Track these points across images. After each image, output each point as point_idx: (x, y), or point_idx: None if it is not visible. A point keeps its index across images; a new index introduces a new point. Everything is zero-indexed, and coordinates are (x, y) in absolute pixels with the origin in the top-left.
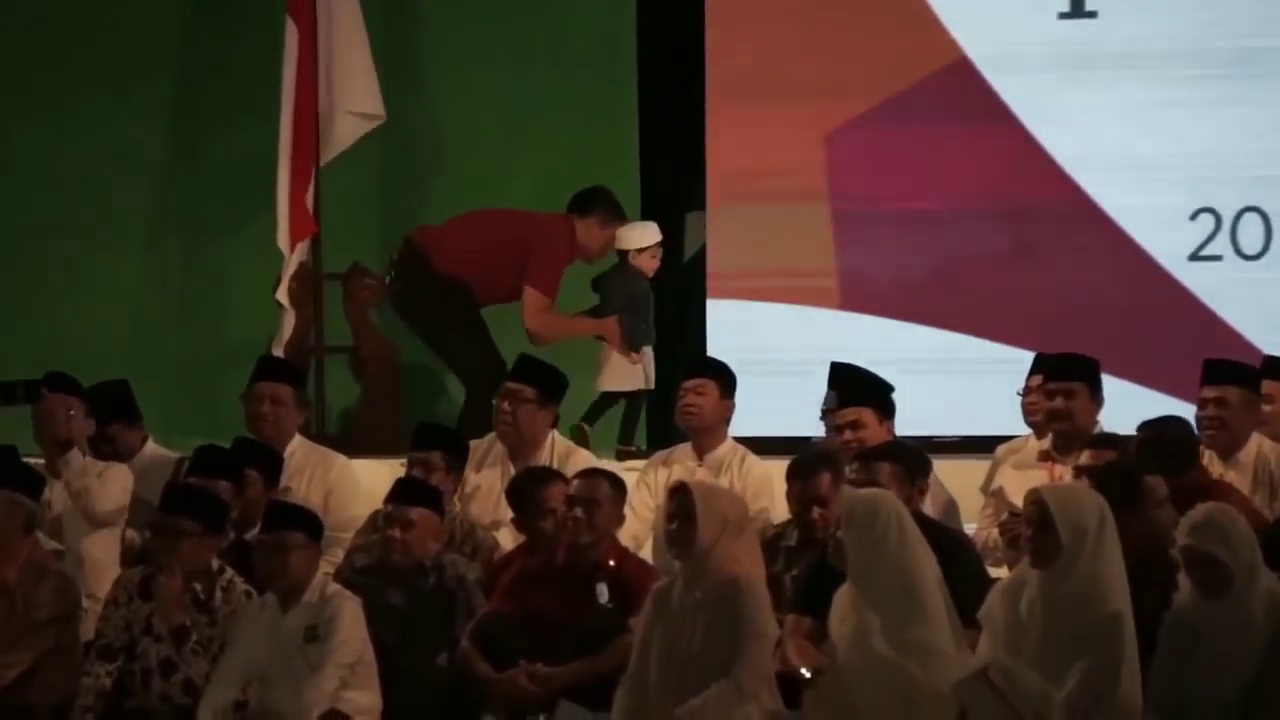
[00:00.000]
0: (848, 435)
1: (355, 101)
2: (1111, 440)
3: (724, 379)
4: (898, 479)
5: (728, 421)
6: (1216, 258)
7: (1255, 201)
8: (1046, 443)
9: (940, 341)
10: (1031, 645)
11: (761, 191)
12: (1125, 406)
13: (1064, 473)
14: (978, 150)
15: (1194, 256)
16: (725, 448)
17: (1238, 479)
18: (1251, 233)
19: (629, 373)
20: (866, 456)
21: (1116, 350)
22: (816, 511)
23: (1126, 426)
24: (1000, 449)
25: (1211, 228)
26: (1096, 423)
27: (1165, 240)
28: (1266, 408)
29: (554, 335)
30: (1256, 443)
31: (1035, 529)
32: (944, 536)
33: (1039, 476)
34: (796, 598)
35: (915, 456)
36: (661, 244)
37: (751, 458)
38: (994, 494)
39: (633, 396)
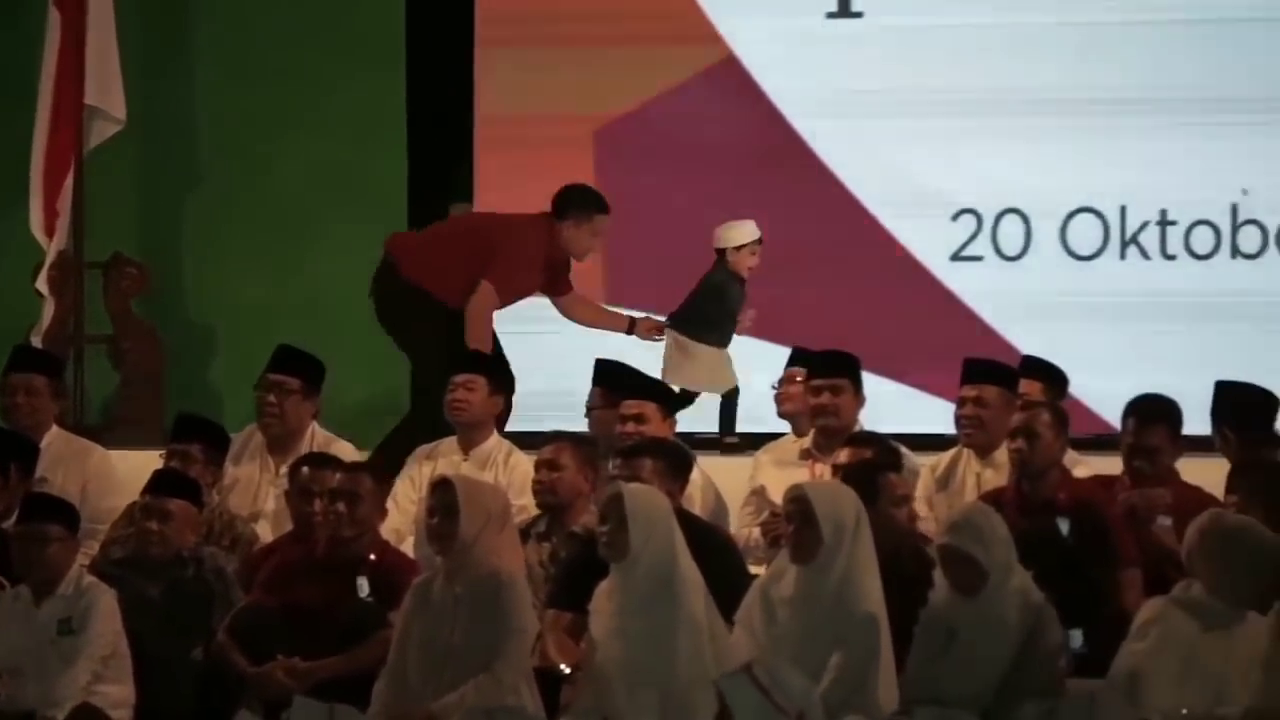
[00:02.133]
0: (630, 428)
1: (107, 100)
2: (870, 439)
3: (494, 375)
4: (660, 475)
5: (496, 418)
6: (978, 258)
7: (1015, 204)
8: (808, 441)
9: None
10: (790, 641)
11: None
12: (883, 405)
13: (824, 470)
14: (738, 143)
15: (955, 257)
16: (491, 443)
17: (995, 478)
18: (1011, 234)
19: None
20: (629, 452)
21: (877, 348)
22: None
23: (885, 426)
24: (763, 449)
25: (973, 229)
26: (857, 421)
27: (927, 241)
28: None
29: (477, 328)
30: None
31: (797, 524)
32: (706, 535)
33: (800, 474)
34: (556, 592)
35: (678, 453)
36: (760, 240)
37: (518, 454)
38: (754, 492)
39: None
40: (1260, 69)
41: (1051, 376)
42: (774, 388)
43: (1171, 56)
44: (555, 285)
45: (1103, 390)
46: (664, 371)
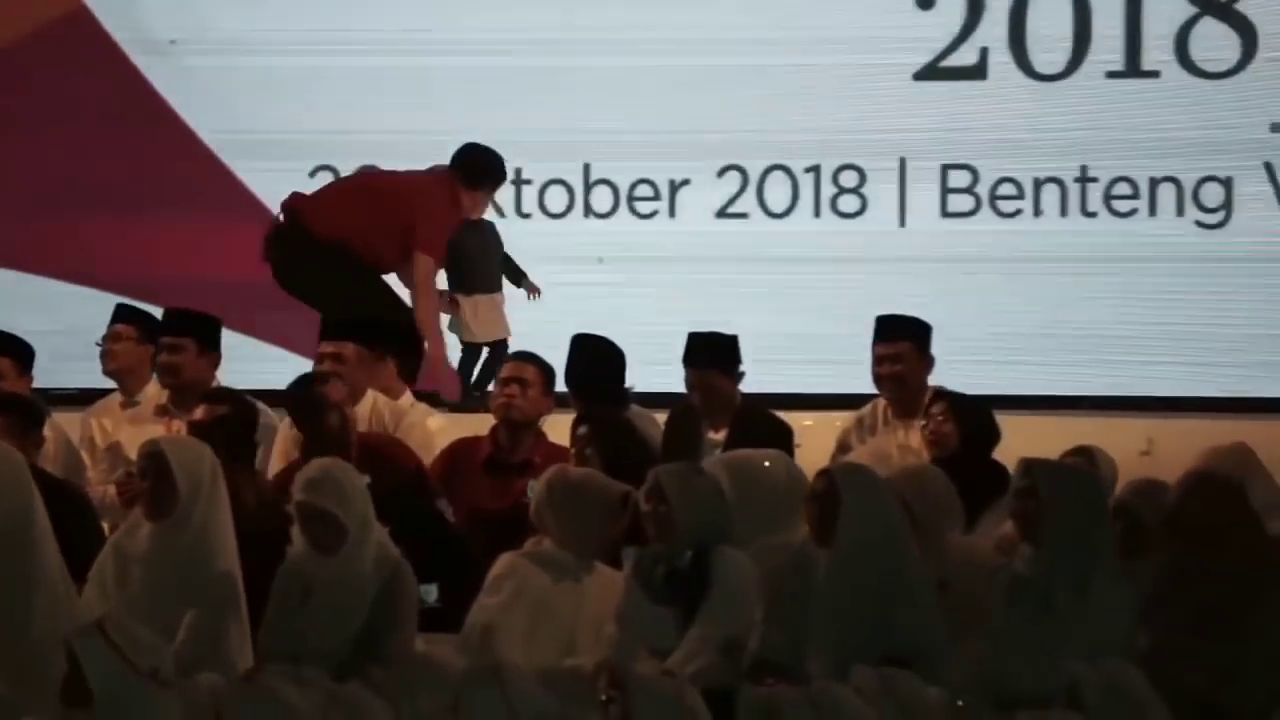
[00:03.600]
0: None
1: None
2: (225, 394)
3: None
4: (9, 431)
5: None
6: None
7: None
8: (164, 397)
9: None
10: (144, 599)
11: None
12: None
13: (180, 427)
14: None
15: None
16: None
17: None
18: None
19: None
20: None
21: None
22: None
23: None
24: (90, 408)
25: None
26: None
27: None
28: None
29: (428, 315)
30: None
31: (152, 480)
32: (60, 491)
33: (156, 430)
34: None
35: (27, 408)
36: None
37: None
38: (110, 448)
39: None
40: None
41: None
42: (98, 345)
43: None
44: None
45: None
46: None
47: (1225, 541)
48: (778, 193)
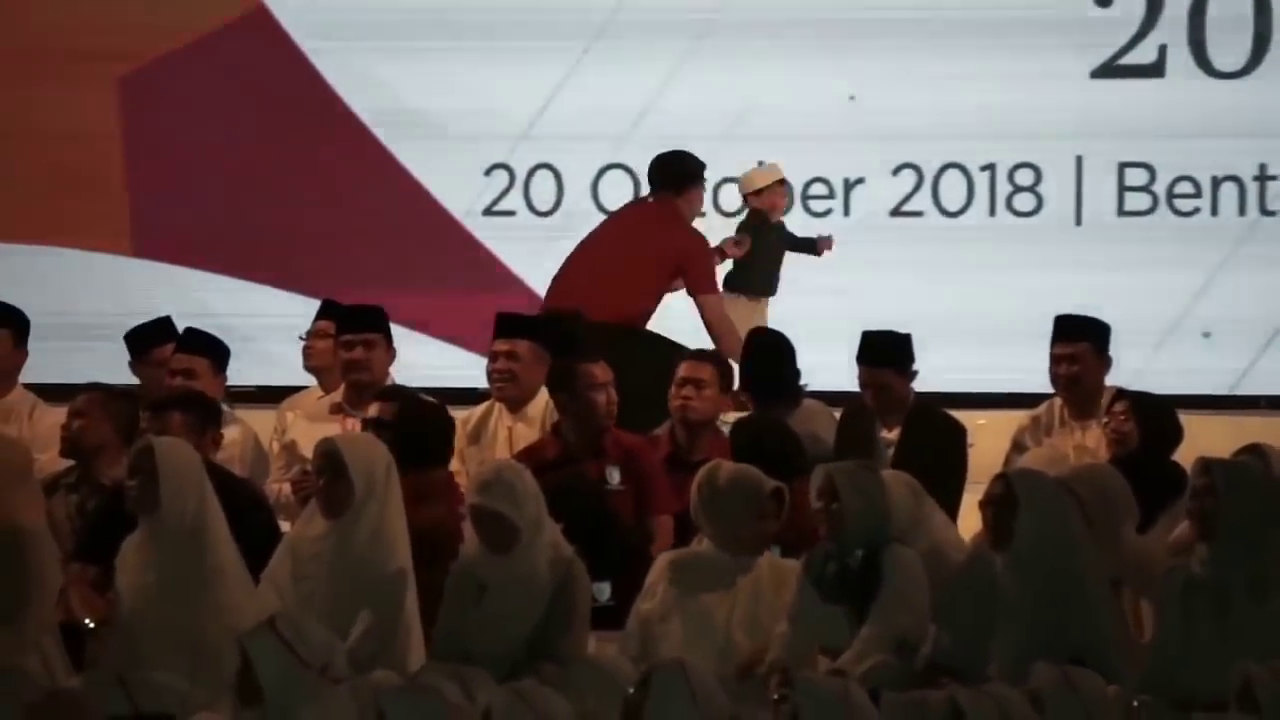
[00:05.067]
0: (179, 381)
1: None
2: (398, 392)
3: (16, 328)
4: (188, 428)
5: (18, 369)
6: (510, 213)
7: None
8: (339, 395)
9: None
10: (318, 597)
11: None
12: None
13: (355, 425)
14: (276, 101)
15: (487, 211)
16: (15, 395)
17: (527, 432)
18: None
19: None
20: (157, 405)
21: (411, 300)
22: None
23: (419, 380)
24: (285, 402)
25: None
26: (389, 374)
27: (459, 195)
28: None
29: (733, 336)
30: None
31: (327, 478)
32: (237, 489)
33: (331, 429)
34: (80, 545)
35: (207, 406)
36: (782, 180)
37: (42, 406)
38: (286, 447)
39: None
40: None
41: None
42: (302, 339)
43: None
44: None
45: None
46: None
47: None
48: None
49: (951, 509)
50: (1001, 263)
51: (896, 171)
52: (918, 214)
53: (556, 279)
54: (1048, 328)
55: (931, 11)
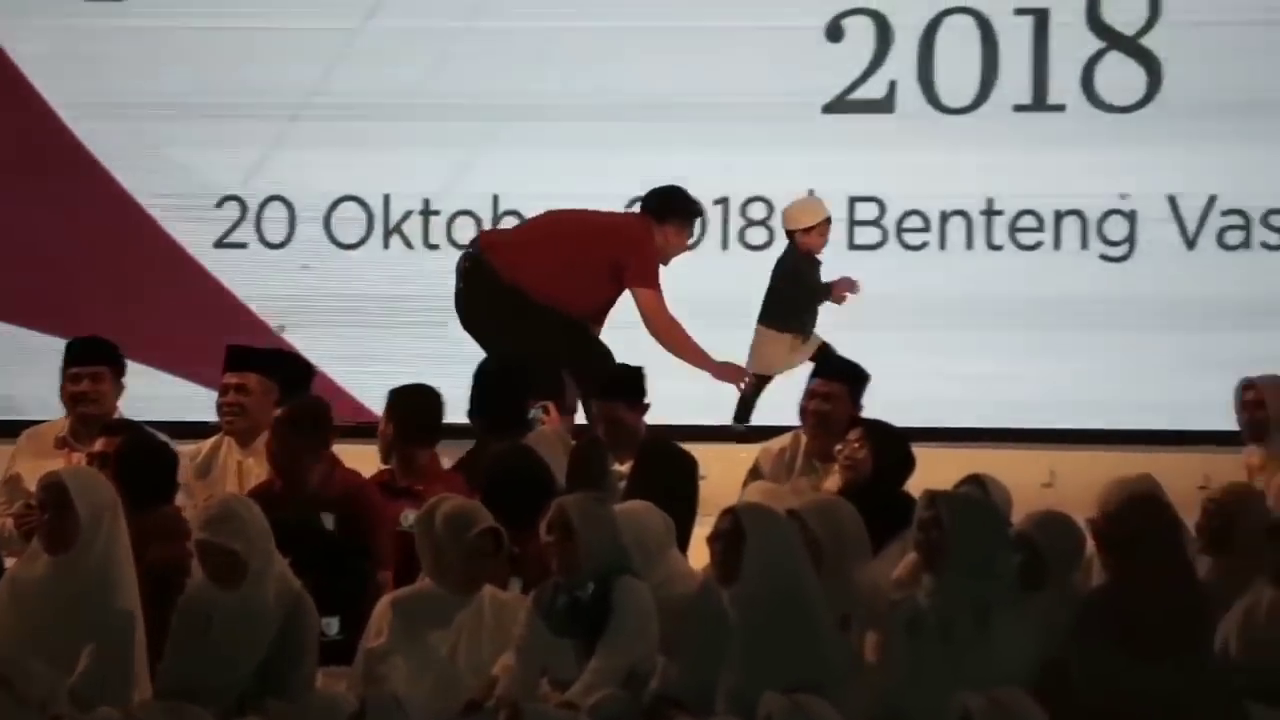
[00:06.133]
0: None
1: None
2: (124, 426)
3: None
4: None
5: None
6: (242, 245)
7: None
8: (64, 428)
9: None
10: (44, 633)
11: None
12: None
13: (80, 458)
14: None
15: (219, 244)
16: None
17: (257, 466)
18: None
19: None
20: None
21: (141, 334)
22: None
23: (151, 415)
24: (25, 433)
25: (237, 216)
26: (117, 408)
27: (192, 229)
28: None
29: (677, 338)
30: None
31: (53, 512)
32: None
33: (56, 463)
34: None
35: None
36: (829, 220)
37: None
38: (8, 480)
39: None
40: None
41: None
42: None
43: None
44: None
45: (364, 382)
46: (750, 363)
47: (1152, 558)
48: None
49: (682, 541)
50: (737, 296)
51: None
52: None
53: (508, 236)
54: None
55: None
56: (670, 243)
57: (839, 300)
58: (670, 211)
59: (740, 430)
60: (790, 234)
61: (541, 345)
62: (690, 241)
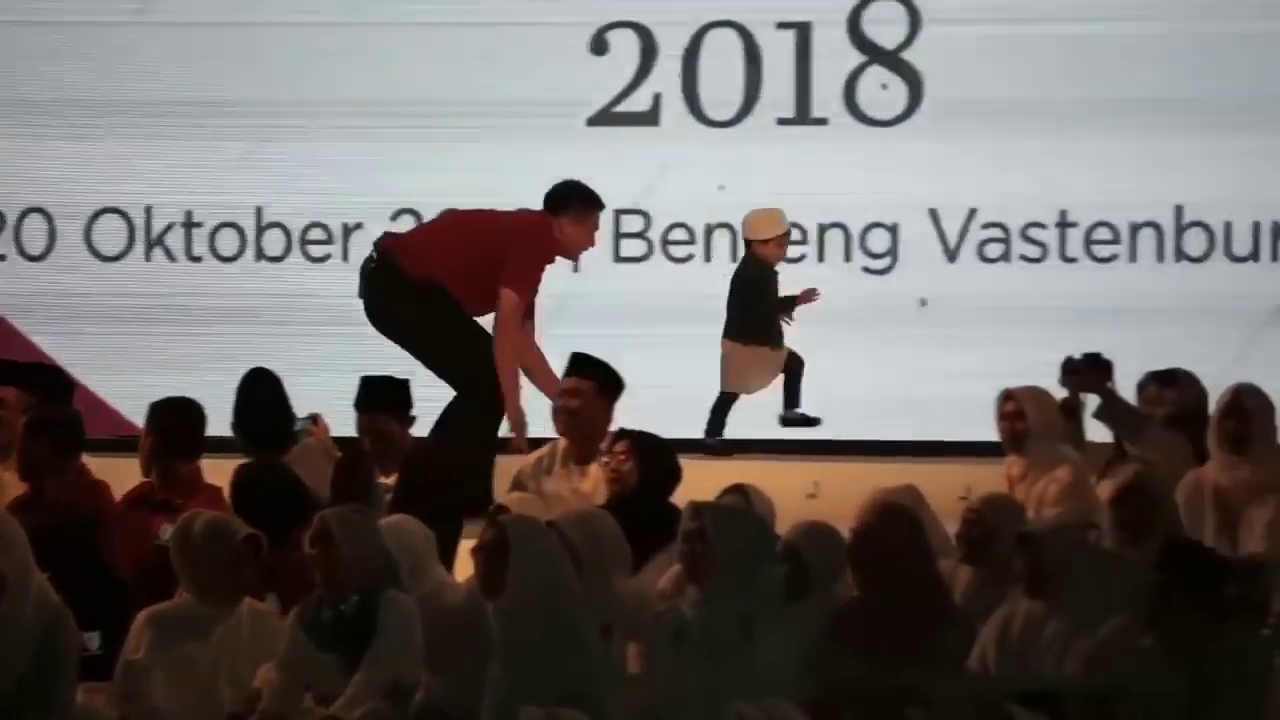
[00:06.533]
0: None
1: None
2: None
3: None
4: None
5: None
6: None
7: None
8: None
9: None
10: None
11: None
12: None
13: None
14: None
15: None
16: None
17: (12, 479)
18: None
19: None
20: None
21: None
22: None
23: None
24: None
25: None
26: None
27: None
28: None
29: (501, 351)
30: None
31: None
32: None
33: None
34: None
35: None
36: (788, 233)
37: None
38: None
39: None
40: None
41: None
42: None
43: None
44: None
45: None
46: (725, 381)
47: (903, 573)
48: None
49: (450, 554)
50: None
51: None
52: None
53: (411, 238)
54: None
55: None
56: (569, 234)
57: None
58: (563, 204)
59: (714, 444)
60: (749, 244)
61: (452, 340)
62: (595, 233)
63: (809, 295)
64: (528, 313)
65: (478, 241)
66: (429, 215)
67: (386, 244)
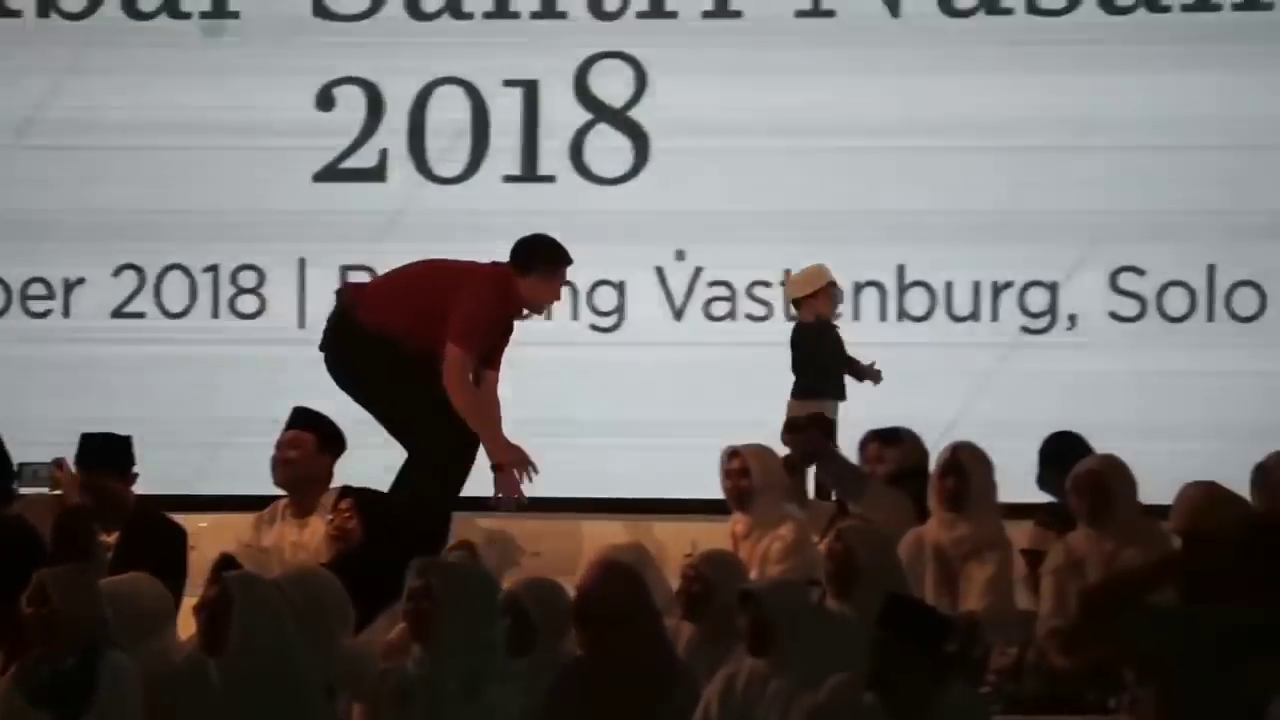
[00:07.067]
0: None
1: None
2: None
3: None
4: None
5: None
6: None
7: None
8: None
9: None
10: None
11: None
12: None
13: None
14: None
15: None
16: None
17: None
18: None
19: None
20: None
21: None
22: None
23: None
24: None
25: None
26: None
27: None
28: None
29: (463, 402)
30: None
31: None
32: None
33: None
34: None
35: None
36: (833, 283)
37: None
38: None
39: None
40: None
41: None
42: None
43: None
44: (491, 353)
45: None
46: None
47: (628, 631)
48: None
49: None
50: (227, 363)
51: (118, 273)
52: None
53: (371, 288)
54: None
55: None
56: (535, 292)
57: (862, 379)
58: (530, 264)
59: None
60: (796, 303)
61: (397, 401)
62: (561, 288)
63: (873, 375)
64: (492, 364)
65: (433, 292)
66: None
67: (345, 297)
